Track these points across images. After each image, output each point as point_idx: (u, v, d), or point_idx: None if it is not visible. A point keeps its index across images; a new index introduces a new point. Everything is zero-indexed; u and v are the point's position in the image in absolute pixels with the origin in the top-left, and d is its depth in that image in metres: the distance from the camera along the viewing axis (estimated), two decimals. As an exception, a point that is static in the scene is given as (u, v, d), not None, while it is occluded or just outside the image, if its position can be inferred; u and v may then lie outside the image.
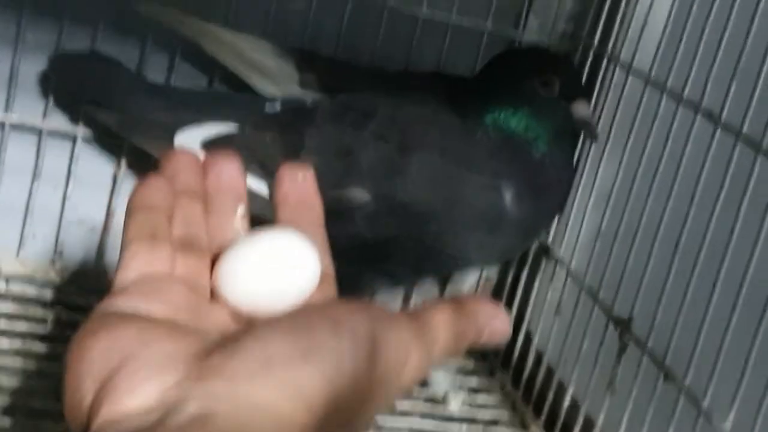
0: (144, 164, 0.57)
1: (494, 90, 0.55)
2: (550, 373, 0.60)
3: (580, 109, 0.55)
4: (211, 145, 0.52)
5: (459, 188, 0.54)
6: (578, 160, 0.60)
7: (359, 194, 0.53)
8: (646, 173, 0.52)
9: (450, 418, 0.59)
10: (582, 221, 0.59)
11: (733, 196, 0.44)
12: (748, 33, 0.45)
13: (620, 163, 0.55)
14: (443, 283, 0.68)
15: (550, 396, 0.58)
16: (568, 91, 0.55)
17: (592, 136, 0.56)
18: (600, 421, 0.53)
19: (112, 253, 0.61)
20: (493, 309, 0.32)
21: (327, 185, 0.52)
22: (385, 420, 0.57)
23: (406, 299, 0.67)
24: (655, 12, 0.54)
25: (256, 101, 0.56)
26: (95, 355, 0.27)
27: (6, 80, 0.58)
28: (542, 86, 0.54)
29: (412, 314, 0.31)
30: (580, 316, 0.57)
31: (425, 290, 0.68)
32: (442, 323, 0.30)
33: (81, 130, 0.59)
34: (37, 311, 0.59)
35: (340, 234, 0.52)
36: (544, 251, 0.62)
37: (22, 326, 0.57)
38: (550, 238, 0.62)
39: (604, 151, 0.57)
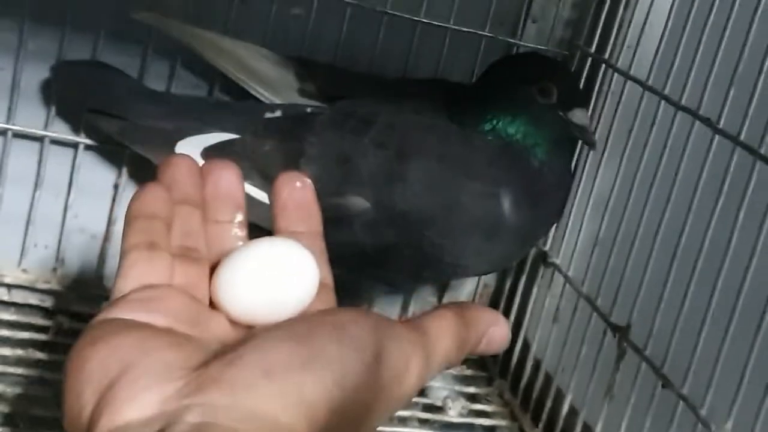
0: (145, 173, 0.58)
1: (492, 97, 0.55)
2: (548, 380, 0.60)
3: (579, 116, 0.55)
4: (212, 153, 0.52)
5: (457, 195, 0.54)
6: (576, 167, 0.60)
7: (358, 202, 0.53)
8: (643, 180, 0.52)
9: (448, 425, 0.60)
10: (580, 228, 0.59)
11: (732, 203, 0.44)
12: (746, 38, 0.45)
13: (618, 169, 0.55)
14: (441, 290, 0.68)
15: (549, 403, 0.59)
16: (567, 98, 0.55)
17: (590, 143, 0.56)
18: (598, 428, 0.53)
19: (113, 262, 0.61)
20: (492, 316, 0.32)
21: (326, 193, 0.53)
22: (384, 428, 0.57)
23: (405, 307, 0.68)
24: (653, 18, 0.55)
25: (255, 109, 0.56)
26: (94, 365, 0.27)
27: (8, 89, 0.58)
28: (540, 93, 0.55)
29: (412, 322, 0.31)
30: (578, 323, 0.57)
31: (423, 298, 0.68)
32: (442, 331, 0.31)
33: (83, 139, 0.59)
34: (39, 319, 0.59)
35: (339, 241, 0.52)
36: (542, 258, 0.63)
37: (24, 334, 0.58)
38: (548, 245, 0.62)
39: (602, 157, 0.57)
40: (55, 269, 0.61)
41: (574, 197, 0.59)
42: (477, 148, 0.55)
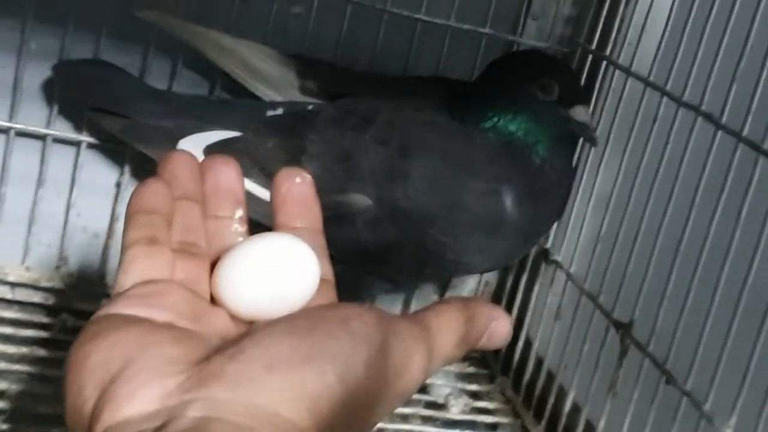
0: (147, 171, 0.57)
1: (493, 94, 0.55)
2: (550, 377, 0.60)
3: (580, 113, 0.55)
4: (214, 151, 0.52)
5: (459, 193, 0.54)
6: (577, 164, 0.60)
7: (360, 199, 0.53)
8: (646, 176, 0.52)
9: (451, 423, 0.60)
10: (582, 225, 0.59)
11: (734, 199, 0.44)
12: (748, 33, 0.45)
13: (620, 166, 0.55)
14: (443, 288, 0.68)
15: (551, 400, 0.59)
16: (568, 95, 0.55)
17: (592, 140, 0.56)
18: (601, 425, 0.53)
19: (116, 259, 0.61)
20: (494, 311, 0.32)
21: (328, 190, 0.53)
22: (386, 425, 0.57)
23: (406, 304, 0.68)
24: (654, 14, 0.55)
25: (257, 107, 0.56)
26: (95, 361, 0.27)
27: (10, 88, 0.58)
28: (541, 90, 0.55)
29: (413, 317, 0.31)
30: (581, 320, 0.57)
31: (425, 295, 0.68)
32: (444, 326, 0.30)
33: (85, 137, 0.60)
34: (43, 317, 0.60)
35: (342, 239, 0.53)
36: (544, 255, 0.63)
37: (27, 332, 0.58)
38: (550, 243, 0.62)
39: (603, 154, 0.57)
40: (58, 267, 0.61)
41: (576, 194, 0.59)
42: (478, 145, 0.55)
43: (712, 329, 0.45)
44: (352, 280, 0.56)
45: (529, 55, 0.62)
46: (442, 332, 0.30)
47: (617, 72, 0.57)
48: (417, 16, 0.61)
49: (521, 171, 0.55)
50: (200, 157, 0.35)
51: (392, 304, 0.67)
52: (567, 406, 0.57)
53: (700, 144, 0.48)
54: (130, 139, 0.55)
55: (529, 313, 0.64)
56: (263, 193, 0.51)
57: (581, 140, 0.59)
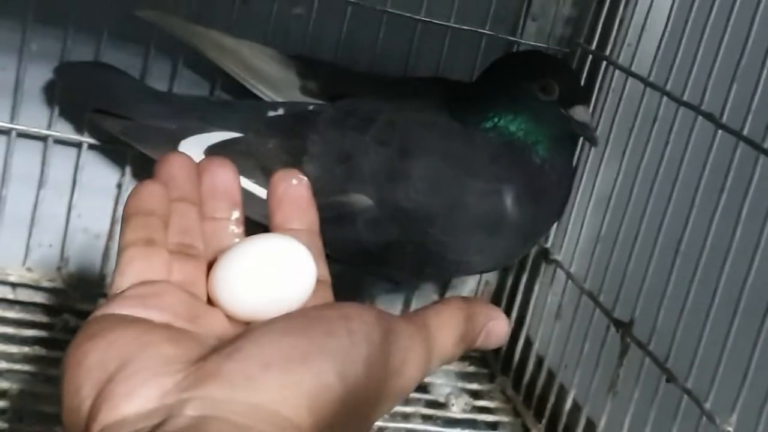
0: (148, 172, 0.57)
1: (494, 95, 0.55)
2: (551, 376, 0.60)
3: (580, 113, 0.55)
4: (215, 152, 0.52)
5: (460, 193, 0.54)
6: (578, 164, 0.60)
7: (361, 199, 0.53)
8: (646, 176, 0.52)
9: (452, 422, 0.60)
10: (582, 224, 0.59)
11: (735, 198, 0.45)
12: (748, 32, 0.45)
13: (620, 165, 0.55)
14: (443, 287, 0.68)
15: (552, 399, 0.59)
16: (568, 95, 0.55)
17: (592, 140, 0.56)
18: (602, 423, 0.53)
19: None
20: (491, 310, 0.32)
21: (329, 191, 0.53)
22: (387, 423, 0.57)
23: (407, 304, 0.68)
24: (654, 14, 0.55)
25: (258, 108, 0.56)
26: (93, 360, 0.27)
27: (12, 89, 0.58)
28: (542, 91, 0.55)
29: (412, 316, 0.31)
30: (581, 320, 0.57)
31: (426, 295, 0.68)
32: (442, 325, 0.31)
33: (86, 139, 0.60)
34: (44, 317, 0.60)
35: (342, 239, 0.53)
36: (544, 255, 0.63)
37: (29, 332, 0.58)
38: (550, 242, 0.63)
39: (603, 154, 0.58)
40: (59, 268, 0.61)
41: (576, 194, 0.59)
42: (479, 145, 0.55)
43: (713, 328, 0.45)
44: (352, 280, 0.57)
45: (530, 55, 0.62)
46: (441, 331, 0.30)
47: (617, 72, 0.58)
48: (417, 16, 0.62)
49: (521, 171, 0.55)
50: (201, 158, 0.35)
51: (392, 304, 0.67)
52: (567, 405, 0.57)
53: (701, 143, 0.48)
54: (132, 140, 0.55)
55: (529, 313, 0.64)
56: (265, 194, 0.51)
57: (581, 140, 0.59)
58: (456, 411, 0.61)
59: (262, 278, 0.30)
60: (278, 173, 0.35)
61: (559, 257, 0.61)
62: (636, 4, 0.57)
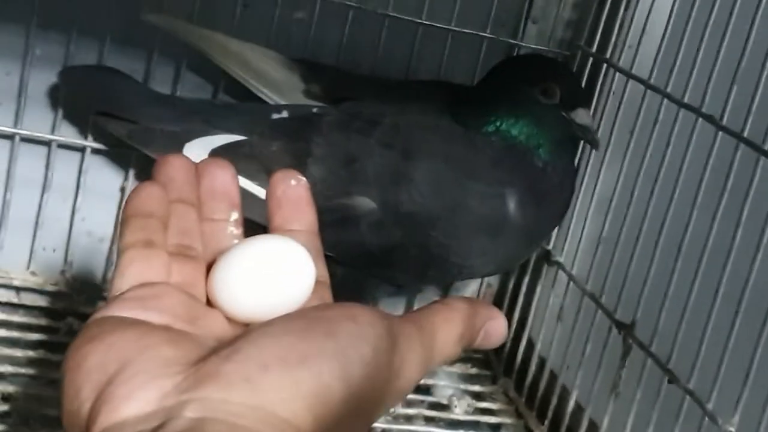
0: (151, 176, 0.58)
1: (495, 99, 0.55)
2: (553, 378, 0.60)
3: (581, 116, 0.55)
4: (220, 155, 0.53)
5: (463, 196, 0.54)
6: (579, 166, 0.60)
7: (365, 202, 0.54)
8: (647, 178, 0.53)
9: (454, 423, 0.60)
10: (583, 226, 0.59)
11: (735, 199, 0.45)
12: (748, 34, 0.45)
13: (621, 168, 0.56)
14: (445, 291, 0.69)
15: (554, 401, 0.59)
16: (569, 98, 0.55)
17: (593, 143, 0.57)
18: (604, 424, 0.53)
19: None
20: (490, 310, 0.32)
21: (333, 193, 0.53)
22: (390, 426, 0.58)
23: (409, 307, 0.68)
24: (654, 17, 0.55)
25: (262, 110, 0.57)
26: (92, 363, 0.27)
27: (15, 94, 0.58)
28: (543, 94, 0.55)
29: (411, 316, 0.31)
30: (583, 321, 0.57)
31: (428, 298, 0.68)
32: (441, 325, 0.31)
33: (90, 143, 0.60)
34: (49, 321, 0.60)
35: (346, 241, 0.53)
36: (546, 257, 0.63)
37: (33, 336, 0.58)
38: (551, 244, 0.63)
39: (604, 156, 0.58)
40: (63, 272, 0.62)
41: (577, 196, 0.60)
42: (481, 149, 0.55)
43: (715, 328, 0.45)
44: (355, 283, 0.57)
45: (531, 59, 0.62)
46: (440, 331, 0.31)
47: (618, 75, 0.58)
48: (418, 20, 0.62)
49: (524, 174, 0.55)
50: (201, 159, 0.35)
51: (395, 308, 0.68)
52: (570, 407, 0.57)
53: (701, 145, 0.48)
54: (137, 143, 0.55)
55: (531, 315, 0.64)
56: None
57: (582, 143, 0.59)
58: (459, 413, 0.61)
59: (261, 279, 0.30)
60: (277, 174, 0.35)
61: (560, 259, 0.61)
62: (636, 7, 0.58)
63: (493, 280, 0.69)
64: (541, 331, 0.62)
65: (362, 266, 0.55)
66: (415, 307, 0.67)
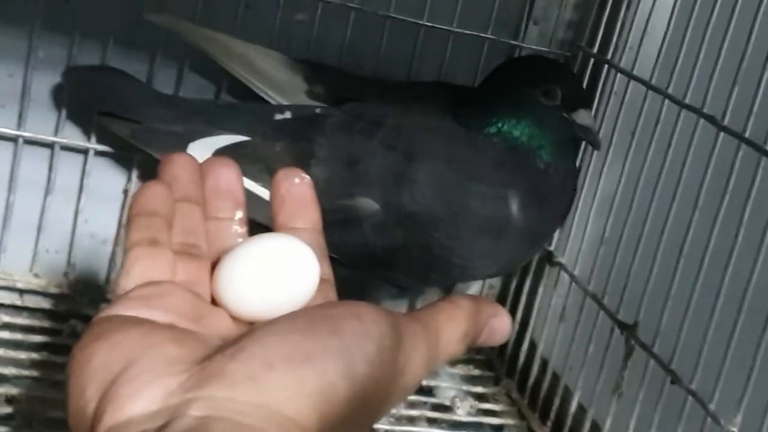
0: (154, 177, 0.58)
1: (497, 100, 0.56)
2: (555, 378, 0.60)
3: (583, 117, 0.55)
4: (223, 155, 0.52)
5: (465, 197, 0.54)
6: (581, 167, 0.60)
7: (368, 203, 0.54)
8: (648, 178, 0.53)
9: (457, 425, 0.60)
10: (585, 227, 0.59)
11: (737, 200, 0.45)
12: (749, 34, 0.45)
13: (623, 168, 0.56)
14: (448, 292, 0.69)
15: (557, 401, 0.59)
16: (570, 99, 0.55)
17: (595, 143, 0.57)
18: (607, 425, 0.53)
19: (123, 265, 0.61)
20: (493, 308, 0.32)
21: (336, 194, 0.53)
22: (393, 427, 0.58)
23: (411, 308, 0.68)
24: (655, 18, 0.55)
25: (265, 111, 0.57)
26: (97, 362, 0.27)
27: (18, 96, 0.58)
28: (544, 95, 0.55)
29: (414, 314, 0.31)
30: (585, 322, 0.57)
31: (430, 299, 0.68)
32: (444, 323, 0.31)
33: (93, 145, 0.60)
34: (52, 323, 0.60)
35: (349, 242, 0.53)
36: (548, 258, 0.63)
37: (37, 338, 0.58)
38: (553, 245, 0.63)
39: (606, 157, 0.58)
40: (66, 274, 0.62)
41: (579, 197, 0.60)
42: (483, 150, 0.55)
43: (717, 329, 0.45)
44: (358, 284, 0.57)
45: (532, 60, 0.62)
46: (444, 329, 0.31)
47: (619, 75, 0.58)
48: (420, 21, 0.62)
49: (526, 175, 0.55)
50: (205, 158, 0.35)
51: (397, 309, 0.68)
52: (572, 407, 0.57)
53: (703, 146, 0.48)
54: (140, 143, 0.55)
55: (533, 315, 0.64)
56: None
57: (584, 144, 0.59)
58: (461, 414, 0.61)
59: (266, 278, 0.30)
60: (280, 172, 0.35)
61: (562, 260, 0.61)
62: (637, 8, 0.58)
63: (496, 282, 0.69)
64: (544, 332, 0.62)
65: (365, 267, 0.55)
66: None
